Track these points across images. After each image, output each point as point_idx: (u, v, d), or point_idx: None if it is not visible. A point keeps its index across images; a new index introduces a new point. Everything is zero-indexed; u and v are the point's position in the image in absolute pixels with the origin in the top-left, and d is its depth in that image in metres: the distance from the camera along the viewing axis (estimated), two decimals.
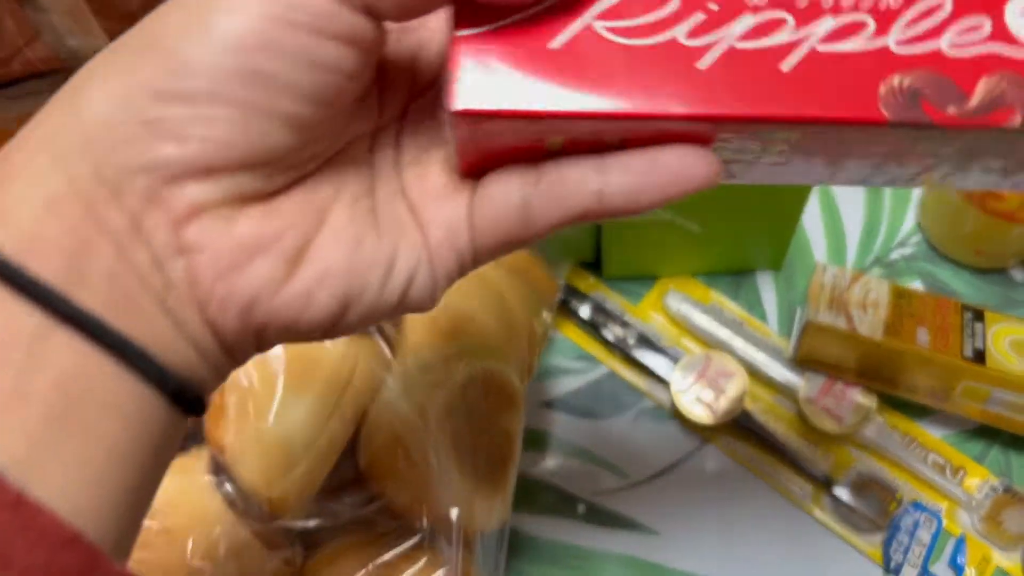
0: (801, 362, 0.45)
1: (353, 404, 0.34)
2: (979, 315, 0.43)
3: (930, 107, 0.21)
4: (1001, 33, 0.21)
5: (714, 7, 0.21)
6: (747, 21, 0.21)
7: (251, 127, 0.18)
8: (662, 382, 0.46)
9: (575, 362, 0.47)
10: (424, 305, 0.22)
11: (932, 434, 0.44)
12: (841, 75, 0.21)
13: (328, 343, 0.36)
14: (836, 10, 0.21)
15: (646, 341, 0.47)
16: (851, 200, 0.50)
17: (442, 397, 0.35)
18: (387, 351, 0.36)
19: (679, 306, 0.47)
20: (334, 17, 0.18)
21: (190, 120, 0.18)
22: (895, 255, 0.49)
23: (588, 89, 0.20)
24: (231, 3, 0.18)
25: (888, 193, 0.51)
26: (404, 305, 0.21)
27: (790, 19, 0.21)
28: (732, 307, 0.48)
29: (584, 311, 0.48)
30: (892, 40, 0.21)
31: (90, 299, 0.17)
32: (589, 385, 0.46)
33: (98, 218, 0.17)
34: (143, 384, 0.18)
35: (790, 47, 0.21)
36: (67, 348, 0.17)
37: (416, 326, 0.37)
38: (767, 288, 0.48)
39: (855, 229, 0.50)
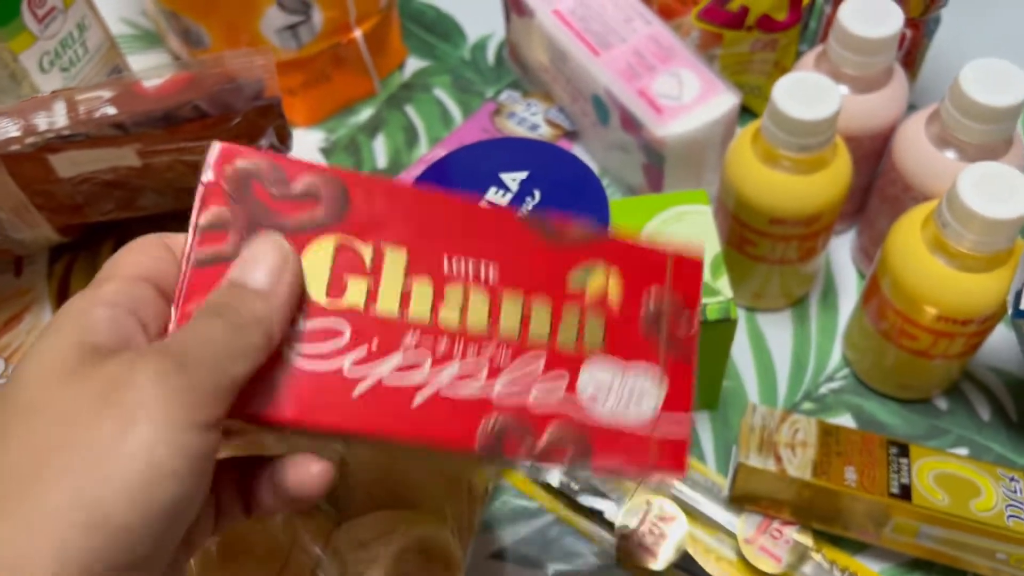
0: (737, 501, 0.46)
1: None
2: (904, 450, 0.45)
3: (510, 444, 0.28)
4: (570, 390, 0.29)
5: (375, 345, 0.27)
6: (396, 360, 0.27)
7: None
8: (607, 526, 0.47)
9: (520, 510, 0.48)
10: None
11: (871, 568, 0.45)
12: (453, 412, 0.27)
13: (266, 519, 0.37)
14: (463, 357, 0.28)
15: (589, 486, 0.48)
16: (779, 337, 0.53)
17: (377, 573, 0.35)
18: (326, 526, 0.37)
19: None
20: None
21: None
22: (824, 389, 0.51)
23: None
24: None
25: (815, 329, 0.53)
26: None
27: (427, 363, 0.27)
28: None
29: None
30: (496, 387, 0.28)
31: None
32: (535, 533, 0.47)
33: None
34: None
35: (422, 387, 0.27)
36: None
37: (354, 497, 0.38)
38: (704, 428, 0.50)
39: (784, 366, 0.52)
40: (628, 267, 0.30)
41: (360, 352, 0.26)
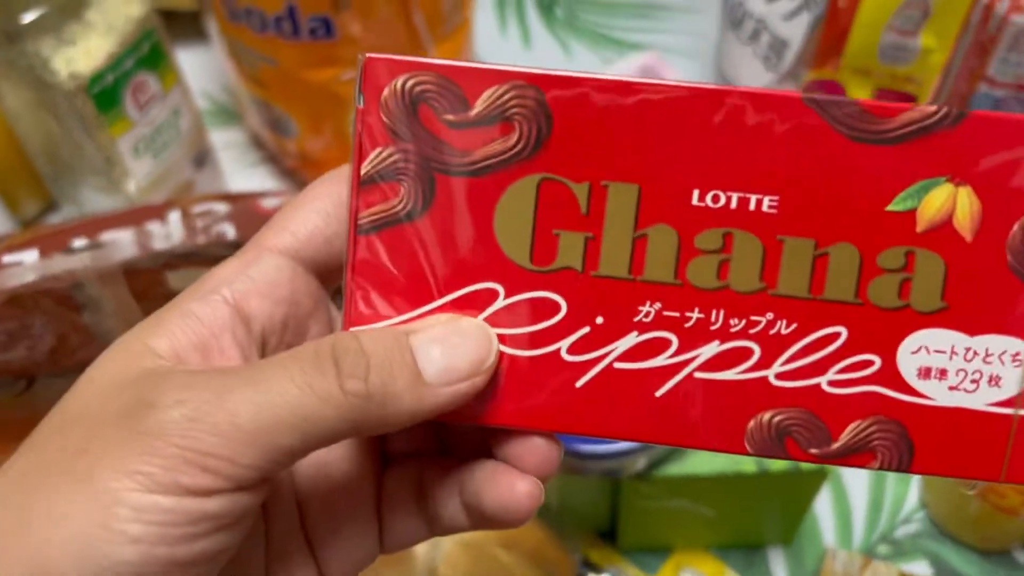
0: None
1: None
2: None
3: (794, 447, 0.21)
4: (888, 372, 0.21)
5: (600, 320, 0.21)
6: (629, 340, 0.21)
7: None
8: None
9: None
10: None
11: None
12: (713, 405, 0.21)
13: None
14: (723, 334, 0.21)
15: None
16: (856, 476, 0.52)
17: None
18: None
19: None
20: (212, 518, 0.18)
21: None
22: (900, 533, 0.50)
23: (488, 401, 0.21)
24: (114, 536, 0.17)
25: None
26: None
27: (675, 340, 0.21)
28: None
29: None
30: (772, 372, 0.21)
31: None
32: None
33: None
34: None
35: (668, 372, 0.21)
36: None
37: None
38: (778, 564, 0.49)
39: (861, 505, 0.51)
40: (990, 173, 0.19)
41: (581, 331, 0.21)
